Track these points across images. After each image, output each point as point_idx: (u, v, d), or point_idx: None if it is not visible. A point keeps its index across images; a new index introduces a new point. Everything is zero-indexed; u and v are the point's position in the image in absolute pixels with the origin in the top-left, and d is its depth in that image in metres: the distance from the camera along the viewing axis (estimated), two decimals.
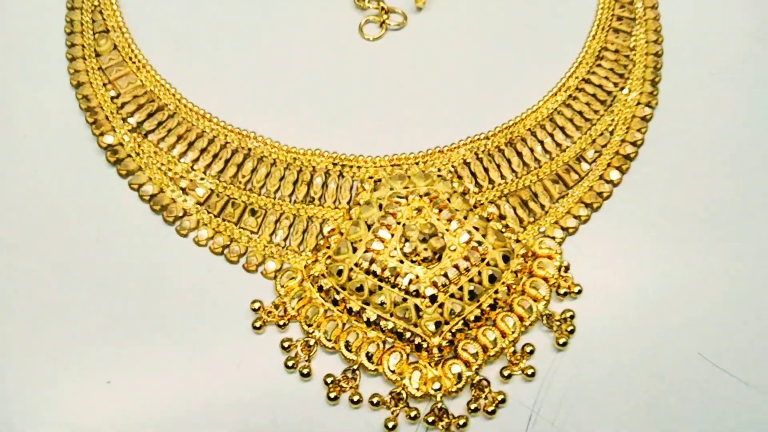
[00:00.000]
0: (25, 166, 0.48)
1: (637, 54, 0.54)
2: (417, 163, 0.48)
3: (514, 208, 0.48)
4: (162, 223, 0.47)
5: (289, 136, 0.50)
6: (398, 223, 0.44)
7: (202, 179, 0.48)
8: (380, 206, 0.45)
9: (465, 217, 0.45)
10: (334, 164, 0.48)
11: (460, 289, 0.42)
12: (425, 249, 0.43)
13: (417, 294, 0.42)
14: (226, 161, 0.49)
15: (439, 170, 0.48)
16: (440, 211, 0.44)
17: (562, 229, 0.47)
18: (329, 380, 0.41)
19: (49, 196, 0.48)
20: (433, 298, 0.42)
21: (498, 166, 0.49)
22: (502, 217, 0.47)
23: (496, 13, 0.56)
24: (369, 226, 0.44)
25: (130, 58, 0.52)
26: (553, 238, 0.47)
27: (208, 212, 0.47)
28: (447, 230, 0.44)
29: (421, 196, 0.45)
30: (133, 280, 0.45)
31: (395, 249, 0.43)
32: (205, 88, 0.52)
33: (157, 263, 0.46)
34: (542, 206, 0.48)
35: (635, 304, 0.45)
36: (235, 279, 0.45)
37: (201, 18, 0.55)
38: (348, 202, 0.47)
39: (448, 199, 0.45)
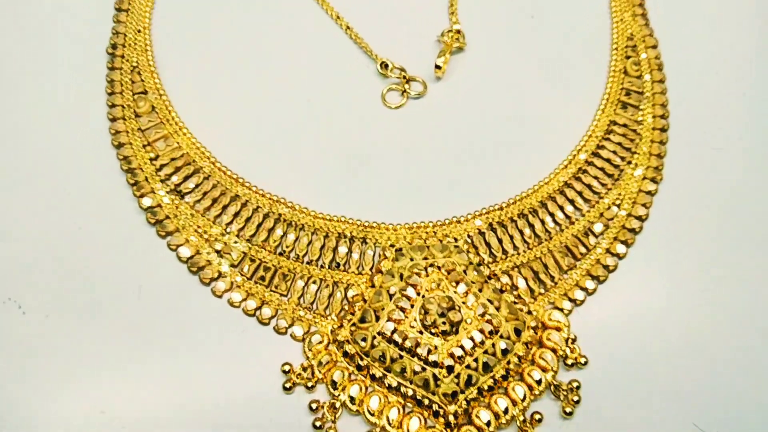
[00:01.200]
0: (69, 223, 0.52)
1: (644, 128, 0.57)
2: (435, 233, 0.52)
3: (526, 279, 0.51)
4: (198, 283, 0.50)
5: (316, 201, 0.53)
6: (418, 294, 0.47)
7: (235, 243, 0.51)
8: (401, 276, 0.48)
9: (480, 290, 0.48)
10: (358, 230, 0.52)
11: (476, 360, 0.46)
12: (443, 322, 0.46)
13: (435, 364, 0.45)
14: (258, 225, 0.52)
15: (456, 240, 0.51)
16: (457, 284, 0.48)
17: (570, 300, 0.51)
18: None
19: (92, 254, 0.51)
20: (450, 369, 0.45)
21: (511, 237, 0.52)
22: (514, 287, 0.50)
23: (511, 85, 0.59)
24: (391, 296, 0.47)
25: (168, 120, 0.56)
26: (562, 309, 0.50)
27: (242, 275, 0.50)
28: (463, 303, 0.47)
29: (439, 268, 0.48)
30: (172, 338, 0.48)
31: (415, 320, 0.47)
32: (238, 151, 0.55)
33: (193, 322, 0.49)
34: (552, 278, 0.51)
35: (640, 374, 0.48)
36: (266, 339, 0.49)
37: (234, 83, 0.58)
38: (371, 269, 0.51)
39: (465, 271, 0.49)
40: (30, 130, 0.55)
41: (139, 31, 0.59)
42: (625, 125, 0.57)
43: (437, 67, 0.58)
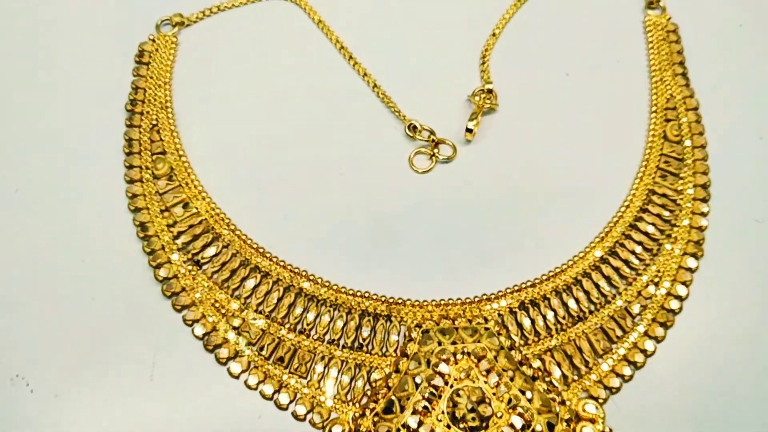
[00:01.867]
0: (82, 294, 0.50)
1: (684, 199, 0.54)
2: (464, 312, 0.49)
3: (559, 364, 0.48)
4: (214, 361, 0.48)
5: (339, 273, 0.51)
6: (446, 384, 0.45)
7: (254, 319, 0.49)
8: (428, 362, 0.46)
9: (511, 378, 0.45)
10: (382, 307, 0.49)
11: None
12: (473, 417, 0.43)
13: None
14: (278, 300, 0.50)
15: (486, 320, 0.49)
16: (488, 372, 0.45)
17: (606, 388, 0.48)
18: None
19: (104, 327, 0.49)
20: None
21: (544, 317, 0.50)
22: (547, 373, 0.48)
23: (544, 149, 0.56)
24: (417, 385, 0.45)
25: (186, 184, 0.54)
26: (596, 398, 0.47)
27: (259, 353, 0.48)
28: (494, 394, 0.44)
29: (468, 354, 0.46)
30: (185, 422, 0.46)
31: (442, 412, 0.44)
32: (259, 218, 0.53)
33: (208, 403, 0.47)
34: (586, 362, 0.49)
35: None
36: (285, 425, 0.46)
37: (257, 143, 0.56)
38: (395, 350, 0.48)
39: (495, 358, 0.46)
40: (43, 192, 0.53)
41: (159, 86, 0.58)
42: (664, 195, 0.54)
43: (468, 130, 0.55)
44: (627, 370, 0.48)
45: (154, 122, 0.56)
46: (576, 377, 0.48)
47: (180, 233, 0.52)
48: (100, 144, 0.55)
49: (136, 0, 0.62)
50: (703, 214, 0.54)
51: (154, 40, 0.60)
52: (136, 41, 0.60)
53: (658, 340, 0.50)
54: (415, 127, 0.56)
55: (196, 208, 0.53)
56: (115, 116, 0.57)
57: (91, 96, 0.58)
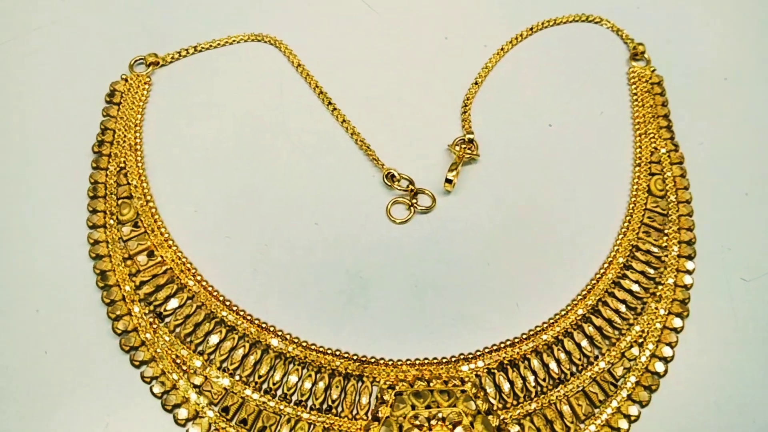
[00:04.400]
0: (36, 347, 0.47)
1: (669, 256, 0.53)
2: (440, 373, 0.47)
3: (539, 429, 0.46)
4: (172, 422, 0.45)
5: (310, 329, 0.48)
6: None
7: (217, 377, 0.46)
8: (400, 428, 0.43)
9: None
10: (354, 366, 0.47)
11: None
12: None
13: None
14: (243, 357, 0.47)
15: (463, 382, 0.46)
16: None
17: None
18: None
19: (57, 381, 0.46)
20: None
21: (523, 378, 0.47)
22: None
23: (526, 201, 0.55)
24: None
25: (153, 231, 0.51)
26: None
27: (221, 414, 0.45)
28: None
29: (443, 420, 0.43)
30: None
31: None
32: (227, 268, 0.50)
33: None
34: (567, 428, 0.46)
35: None
36: None
37: (228, 189, 0.54)
38: (366, 413, 0.46)
39: (471, 424, 0.43)
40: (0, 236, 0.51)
41: (129, 127, 0.55)
42: (648, 252, 0.53)
43: (448, 181, 0.53)
44: None
45: (122, 165, 0.54)
46: None
47: (143, 283, 0.49)
48: (64, 186, 0.53)
49: (111, 38, 0.61)
50: (689, 272, 0.52)
51: (126, 80, 0.58)
52: (109, 80, 0.58)
53: (642, 404, 0.47)
54: (393, 176, 0.54)
55: (162, 257, 0.50)
56: (83, 158, 0.54)
57: (59, 135, 0.55)
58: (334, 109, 0.58)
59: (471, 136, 0.56)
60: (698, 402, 0.48)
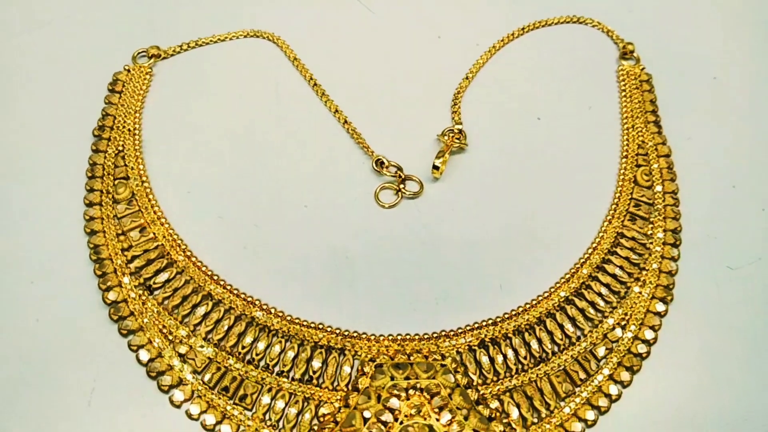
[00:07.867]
0: (28, 314, 0.48)
1: (654, 243, 0.53)
2: (421, 348, 0.47)
3: (518, 406, 0.46)
4: (156, 389, 0.46)
5: (295, 304, 0.49)
6: (396, 420, 0.43)
7: (201, 347, 0.47)
8: (379, 397, 0.44)
9: (466, 417, 0.43)
10: (336, 339, 0.47)
11: None
12: None
13: None
14: (228, 329, 0.48)
15: (443, 357, 0.47)
16: (440, 410, 0.43)
17: None
18: None
19: (48, 347, 0.47)
20: None
21: (504, 356, 0.48)
22: (505, 414, 0.45)
23: (512, 190, 0.55)
24: (365, 420, 0.42)
25: (146, 209, 0.53)
26: None
27: (204, 383, 0.46)
28: None
29: (421, 391, 0.44)
30: None
31: None
32: (217, 246, 0.52)
33: None
34: (547, 405, 0.46)
35: None
36: None
37: (220, 172, 0.55)
38: (347, 384, 0.46)
39: (450, 395, 0.44)
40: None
41: (129, 113, 0.57)
42: (633, 239, 0.53)
43: (435, 168, 0.55)
44: (590, 415, 0.46)
45: (120, 148, 0.56)
46: (536, 420, 0.46)
47: (134, 257, 0.50)
48: (64, 167, 0.55)
49: (117, 32, 0.63)
50: (674, 259, 0.53)
51: (129, 71, 0.60)
52: (113, 71, 0.60)
53: (623, 384, 0.47)
54: (382, 163, 0.56)
55: (154, 234, 0.51)
56: (84, 141, 0.56)
57: (62, 121, 0.57)
58: (328, 100, 0.59)
59: (459, 126, 0.57)
60: (679, 384, 0.48)
